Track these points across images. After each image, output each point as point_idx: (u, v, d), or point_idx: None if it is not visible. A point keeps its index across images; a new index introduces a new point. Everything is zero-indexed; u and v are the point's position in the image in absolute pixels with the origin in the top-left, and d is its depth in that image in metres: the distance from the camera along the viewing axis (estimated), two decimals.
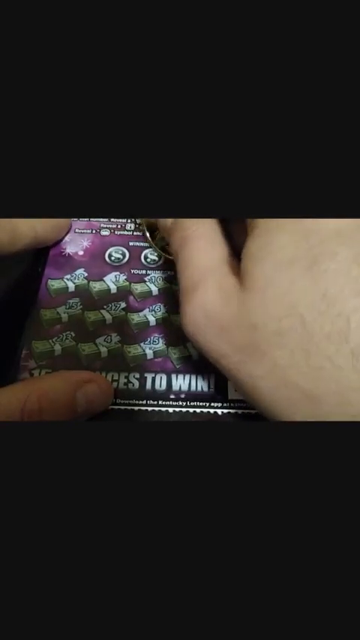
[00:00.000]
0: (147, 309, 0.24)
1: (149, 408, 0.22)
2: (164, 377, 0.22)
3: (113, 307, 0.24)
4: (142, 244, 0.26)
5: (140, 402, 0.22)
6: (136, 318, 0.24)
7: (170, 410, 0.22)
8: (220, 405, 0.22)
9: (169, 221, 0.21)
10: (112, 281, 0.25)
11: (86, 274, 0.25)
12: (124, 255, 0.26)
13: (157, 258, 0.26)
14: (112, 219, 0.27)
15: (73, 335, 0.23)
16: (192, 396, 0.22)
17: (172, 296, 0.25)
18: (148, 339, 0.23)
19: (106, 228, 0.27)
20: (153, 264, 0.26)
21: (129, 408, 0.22)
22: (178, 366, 0.23)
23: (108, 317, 0.24)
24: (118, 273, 0.25)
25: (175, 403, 0.22)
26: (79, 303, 0.24)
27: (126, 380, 0.22)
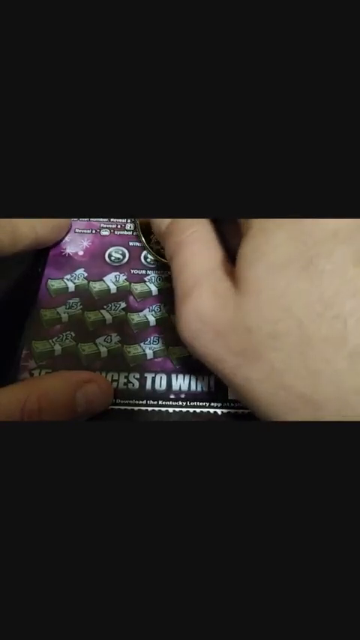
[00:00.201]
0: (147, 309, 0.24)
1: (149, 408, 0.22)
2: (164, 377, 0.22)
3: (113, 307, 0.24)
4: (141, 244, 0.26)
5: (140, 402, 0.22)
6: (136, 318, 0.24)
7: (170, 410, 0.22)
8: (219, 405, 0.22)
9: (163, 226, 0.21)
10: (112, 281, 0.25)
11: (86, 274, 0.25)
12: (124, 255, 0.26)
13: (156, 258, 0.26)
14: (112, 219, 0.27)
15: (73, 335, 0.23)
16: (192, 396, 0.22)
17: (172, 296, 0.25)
18: (148, 339, 0.23)
19: (106, 228, 0.27)
20: (153, 264, 0.26)
21: (129, 408, 0.22)
22: (177, 366, 0.23)
23: (108, 317, 0.24)
24: (118, 273, 0.25)
25: (175, 403, 0.22)
26: (79, 303, 0.24)
27: (126, 380, 0.22)
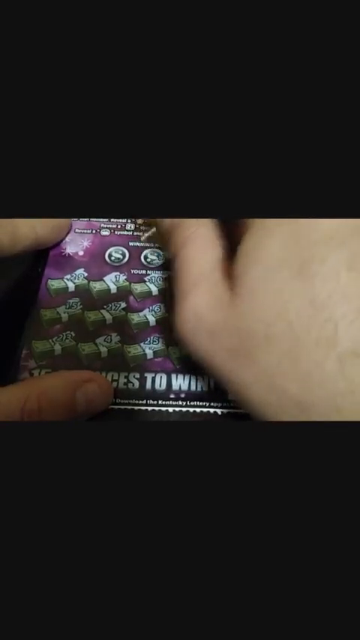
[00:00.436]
0: (147, 309, 0.24)
1: (149, 408, 0.22)
2: (164, 377, 0.22)
3: (113, 307, 0.24)
4: (142, 244, 0.26)
5: (140, 401, 0.22)
6: (136, 318, 0.24)
7: (170, 410, 0.22)
8: (219, 405, 0.22)
9: (167, 223, 0.21)
10: (112, 281, 0.25)
11: (86, 274, 0.25)
12: (124, 255, 0.26)
13: (157, 258, 0.26)
14: (112, 220, 0.27)
15: (73, 335, 0.23)
16: (192, 396, 0.22)
17: (172, 296, 0.25)
18: (148, 339, 0.23)
19: (106, 228, 0.27)
20: (153, 264, 0.26)
21: (129, 407, 0.22)
22: (177, 366, 0.23)
23: (108, 317, 0.24)
24: (118, 273, 0.25)
25: (175, 403, 0.22)
26: (79, 303, 0.24)
27: (126, 380, 0.22)
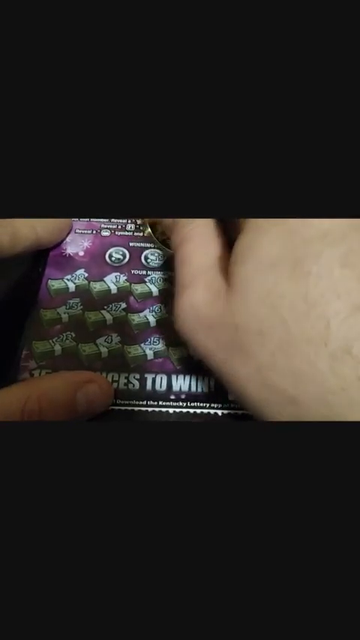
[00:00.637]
0: (147, 310, 0.24)
1: (149, 409, 0.22)
2: (164, 377, 0.22)
3: (113, 308, 0.24)
4: (142, 245, 0.26)
5: (140, 402, 0.22)
6: (136, 318, 0.24)
7: (170, 410, 0.22)
8: (220, 405, 0.22)
9: (167, 221, 0.21)
10: (112, 281, 0.25)
11: (86, 275, 0.25)
12: (124, 255, 0.26)
13: (157, 259, 0.26)
14: (113, 220, 0.27)
15: (74, 335, 0.23)
16: (192, 397, 0.22)
17: (172, 297, 0.25)
18: (149, 340, 0.23)
19: (107, 228, 0.27)
20: (153, 264, 0.26)
21: (129, 408, 0.22)
22: (178, 367, 0.23)
23: (108, 317, 0.24)
24: (118, 273, 0.25)
25: (175, 404, 0.22)
26: (79, 304, 0.24)
27: (126, 380, 0.22)
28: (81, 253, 0.26)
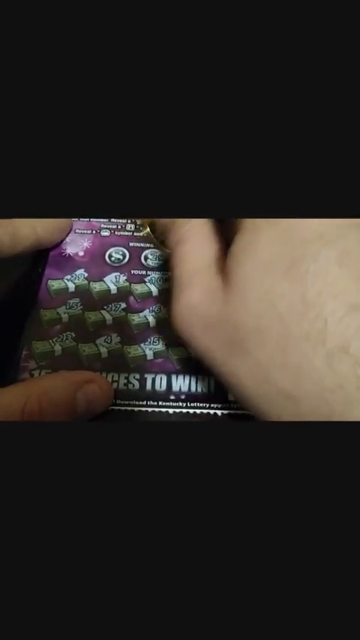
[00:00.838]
0: (147, 310, 0.24)
1: (149, 409, 0.22)
2: (164, 378, 0.22)
3: (113, 308, 0.24)
4: (142, 245, 0.26)
5: (140, 402, 0.22)
6: (136, 318, 0.24)
7: (170, 411, 0.22)
8: (220, 406, 0.22)
9: (164, 221, 0.21)
10: (112, 281, 0.25)
11: (86, 275, 0.25)
12: (124, 255, 0.26)
13: (157, 259, 0.26)
14: (113, 220, 0.27)
15: (74, 335, 0.23)
16: (192, 397, 0.22)
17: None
18: (148, 340, 0.23)
19: (107, 228, 0.27)
20: (153, 265, 0.26)
21: (129, 408, 0.22)
22: (178, 367, 0.23)
23: (108, 317, 0.24)
24: (118, 273, 0.25)
25: (175, 404, 0.22)
26: (79, 304, 0.24)
27: (126, 380, 0.22)
28: (81, 253, 0.26)
